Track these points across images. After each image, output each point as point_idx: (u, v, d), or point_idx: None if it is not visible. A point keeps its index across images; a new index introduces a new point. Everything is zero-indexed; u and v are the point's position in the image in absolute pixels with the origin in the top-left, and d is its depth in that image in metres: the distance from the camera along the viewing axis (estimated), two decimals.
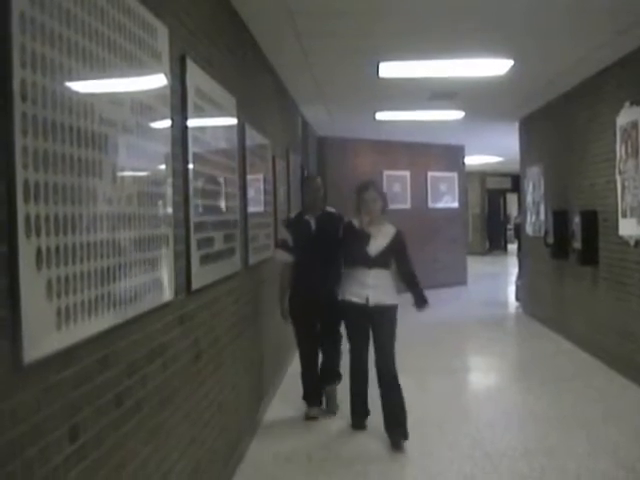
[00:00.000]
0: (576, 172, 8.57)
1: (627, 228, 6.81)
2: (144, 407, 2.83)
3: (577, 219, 8.06)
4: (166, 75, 3.20)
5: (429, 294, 5.56)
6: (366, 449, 5.15)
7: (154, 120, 3.00)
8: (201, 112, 3.89)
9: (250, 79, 5.85)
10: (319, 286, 5.72)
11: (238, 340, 4.99)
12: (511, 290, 13.66)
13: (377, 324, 5.29)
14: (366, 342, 5.39)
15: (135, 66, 2.75)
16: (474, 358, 9.07)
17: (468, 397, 6.90)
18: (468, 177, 19.04)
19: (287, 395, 6.45)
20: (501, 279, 17.20)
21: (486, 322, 11.19)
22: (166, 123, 3.20)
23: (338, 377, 6.02)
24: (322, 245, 5.75)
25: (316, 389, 5.96)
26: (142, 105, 2.83)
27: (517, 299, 12.51)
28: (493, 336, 10.08)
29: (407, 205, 14.70)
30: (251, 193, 5.58)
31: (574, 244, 8.22)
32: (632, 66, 6.72)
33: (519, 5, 5.20)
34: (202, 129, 3.95)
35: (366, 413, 5.56)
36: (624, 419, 5.75)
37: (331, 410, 5.95)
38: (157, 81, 3.08)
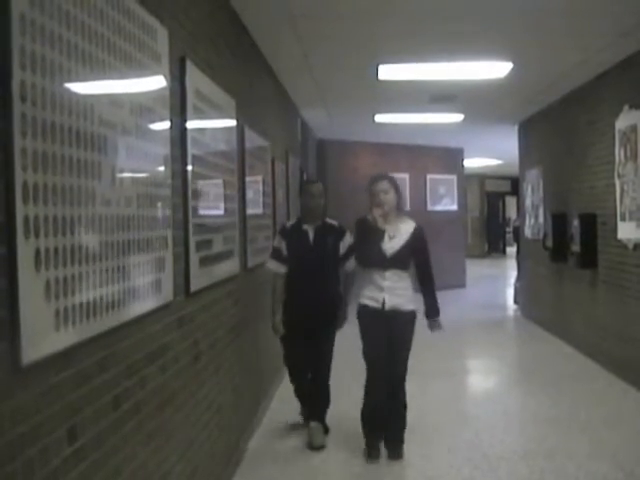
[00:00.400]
0: (575, 175, 8.57)
1: (626, 231, 6.81)
2: (143, 409, 2.82)
3: (576, 222, 8.06)
4: (166, 77, 3.20)
5: None
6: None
7: (153, 122, 3.00)
8: (200, 114, 3.89)
9: (250, 81, 5.85)
10: (313, 304, 5.25)
11: (237, 342, 4.99)
12: (510, 293, 13.67)
13: (393, 330, 4.82)
14: (383, 349, 4.84)
15: (135, 68, 2.75)
16: (473, 361, 9.06)
17: (467, 400, 6.90)
18: (467, 180, 19.05)
19: (286, 397, 6.43)
20: (500, 282, 17.20)
21: (485, 325, 11.20)
22: (165, 125, 3.20)
23: (328, 399, 5.50)
24: (320, 259, 5.28)
25: (304, 387, 5.51)
26: (141, 107, 2.83)
27: (516, 302, 12.52)
28: (492, 339, 10.08)
29: (406, 207, 14.65)
30: (250, 195, 5.58)
31: (573, 247, 8.22)
32: (631, 70, 6.73)
33: (519, 8, 5.21)
34: (201, 131, 3.95)
35: (381, 436, 5.02)
36: (623, 422, 5.75)
37: (315, 444, 5.21)
38: (157, 83, 3.08)
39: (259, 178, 6.13)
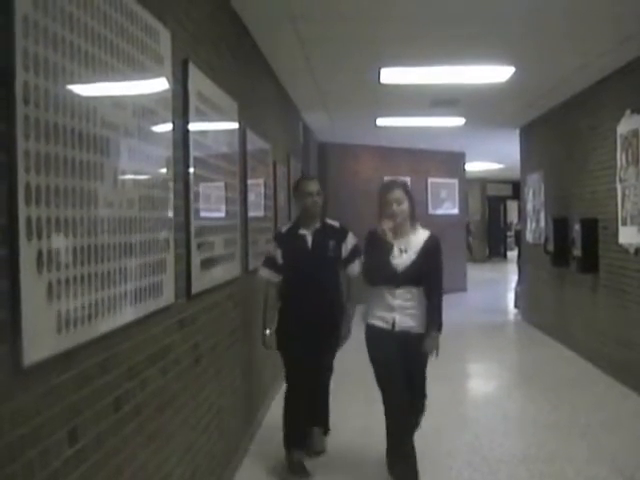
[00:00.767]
0: (576, 180, 8.57)
1: (627, 236, 6.81)
2: (144, 410, 2.82)
3: (577, 227, 8.06)
4: (168, 79, 3.20)
5: None
6: (365, 453, 5.14)
7: (156, 124, 3.00)
8: (203, 116, 3.90)
9: (252, 84, 5.86)
10: (313, 319, 4.73)
11: (237, 345, 4.99)
12: (510, 297, 13.66)
13: (405, 353, 4.35)
14: (397, 371, 4.37)
15: (137, 70, 2.75)
16: (473, 365, 9.05)
17: (467, 404, 6.89)
18: (468, 184, 19.05)
19: None
20: (501, 286, 17.19)
21: (485, 329, 11.19)
22: (168, 127, 3.21)
23: (327, 421, 5.24)
24: (320, 267, 4.76)
25: (301, 429, 4.97)
26: (144, 109, 2.83)
27: (516, 306, 12.52)
28: (492, 343, 10.07)
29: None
30: (252, 198, 5.58)
31: (574, 252, 8.22)
32: (633, 74, 6.73)
33: (521, 12, 5.21)
34: (203, 133, 3.95)
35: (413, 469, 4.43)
36: (623, 427, 5.74)
37: (316, 449, 5.07)
38: (159, 85, 3.09)
39: (261, 181, 6.13)
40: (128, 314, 2.59)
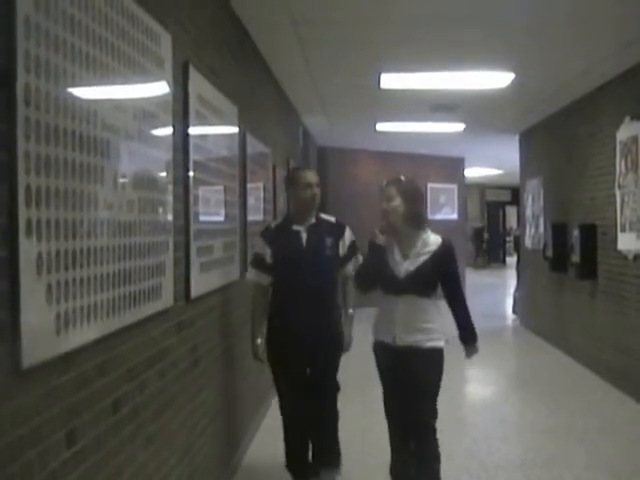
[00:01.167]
0: (576, 186, 8.58)
1: (626, 242, 6.82)
2: (142, 412, 2.82)
3: (576, 233, 8.07)
4: (169, 82, 3.21)
5: None
6: (364, 456, 5.13)
7: (156, 127, 3.01)
8: (203, 120, 3.90)
9: (252, 88, 5.87)
10: (309, 322, 4.22)
11: (236, 347, 4.99)
12: (509, 303, 13.66)
13: (409, 372, 3.92)
14: (399, 395, 4.01)
15: (138, 73, 2.76)
16: (471, 370, 9.03)
17: (465, 409, 6.89)
18: (468, 189, 19.05)
19: None
20: (499, 292, 17.19)
21: (483, 334, 11.06)
22: (168, 130, 3.21)
23: (338, 456, 4.47)
24: (315, 267, 4.25)
25: (304, 457, 4.46)
26: (144, 112, 2.84)
27: (514, 312, 12.52)
28: (490, 348, 10.03)
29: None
30: (251, 201, 5.59)
31: (573, 257, 8.23)
32: (633, 81, 6.74)
33: (521, 17, 5.22)
34: (203, 137, 3.96)
35: None
36: (620, 433, 5.74)
37: None
38: (160, 88, 3.10)
39: (260, 185, 6.14)
40: (127, 316, 2.59)
